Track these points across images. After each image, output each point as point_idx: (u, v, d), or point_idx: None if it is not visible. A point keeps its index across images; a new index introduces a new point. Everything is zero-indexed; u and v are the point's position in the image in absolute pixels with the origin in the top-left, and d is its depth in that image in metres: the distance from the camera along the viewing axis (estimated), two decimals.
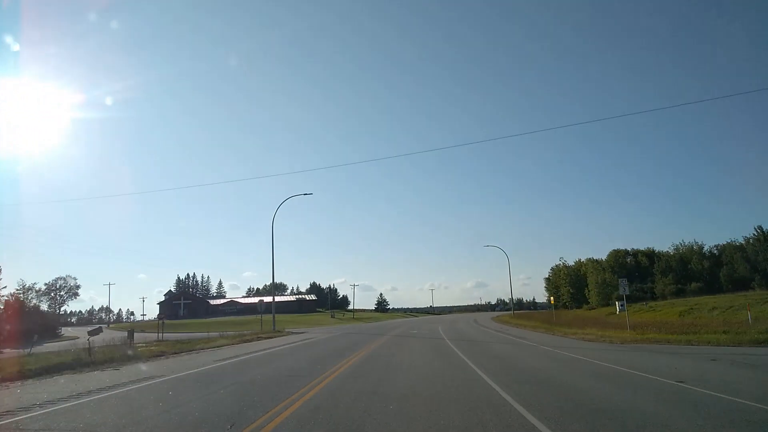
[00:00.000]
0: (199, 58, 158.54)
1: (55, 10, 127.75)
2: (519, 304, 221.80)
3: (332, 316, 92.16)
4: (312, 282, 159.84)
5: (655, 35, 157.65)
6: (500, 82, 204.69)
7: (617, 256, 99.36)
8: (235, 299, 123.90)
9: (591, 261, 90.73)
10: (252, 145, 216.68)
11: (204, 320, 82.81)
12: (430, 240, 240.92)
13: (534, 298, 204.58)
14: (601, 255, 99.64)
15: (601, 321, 44.52)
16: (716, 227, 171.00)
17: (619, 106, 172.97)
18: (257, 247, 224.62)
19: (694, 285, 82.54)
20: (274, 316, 38.52)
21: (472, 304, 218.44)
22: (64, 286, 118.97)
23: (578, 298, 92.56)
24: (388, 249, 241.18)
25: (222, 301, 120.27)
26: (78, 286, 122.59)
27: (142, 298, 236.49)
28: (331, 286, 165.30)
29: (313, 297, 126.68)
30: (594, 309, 79.43)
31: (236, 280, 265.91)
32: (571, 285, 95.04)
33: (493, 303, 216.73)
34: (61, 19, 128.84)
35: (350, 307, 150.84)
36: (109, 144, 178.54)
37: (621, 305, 65.20)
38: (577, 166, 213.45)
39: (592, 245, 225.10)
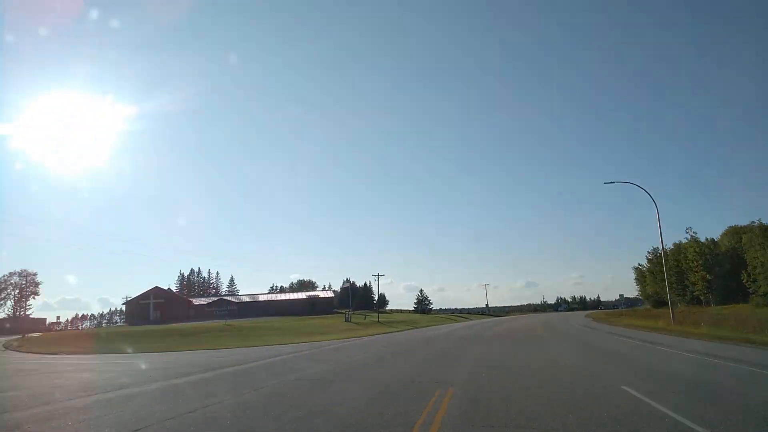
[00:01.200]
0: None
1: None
2: (582, 303, 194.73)
3: (347, 320, 64.36)
4: (346, 278, 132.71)
5: None
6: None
7: (734, 235, 68.46)
8: (227, 297, 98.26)
9: (761, 229, 58.07)
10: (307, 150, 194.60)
11: (163, 326, 57.11)
12: (479, 239, 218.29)
13: (599, 296, 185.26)
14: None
15: None
16: None
17: None
18: (306, 248, 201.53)
19: None
20: None
21: (526, 303, 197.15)
22: (19, 284, 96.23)
23: (721, 289, 61.64)
24: (435, 249, 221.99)
25: (208, 300, 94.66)
26: (38, 284, 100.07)
27: (125, 298, 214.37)
28: (367, 284, 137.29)
29: (329, 294, 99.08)
30: None
31: (282, 281, 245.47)
32: (707, 270, 63.39)
33: (550, 302, 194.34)
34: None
35: (389, 307, 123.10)
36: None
37: None
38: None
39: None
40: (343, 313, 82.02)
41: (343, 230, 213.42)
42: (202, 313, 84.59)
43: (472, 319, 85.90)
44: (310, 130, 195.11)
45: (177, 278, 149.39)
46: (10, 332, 66.51)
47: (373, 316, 75.10)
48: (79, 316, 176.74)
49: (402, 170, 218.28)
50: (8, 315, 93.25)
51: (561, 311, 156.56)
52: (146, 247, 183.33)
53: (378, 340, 32.03)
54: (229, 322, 58.91)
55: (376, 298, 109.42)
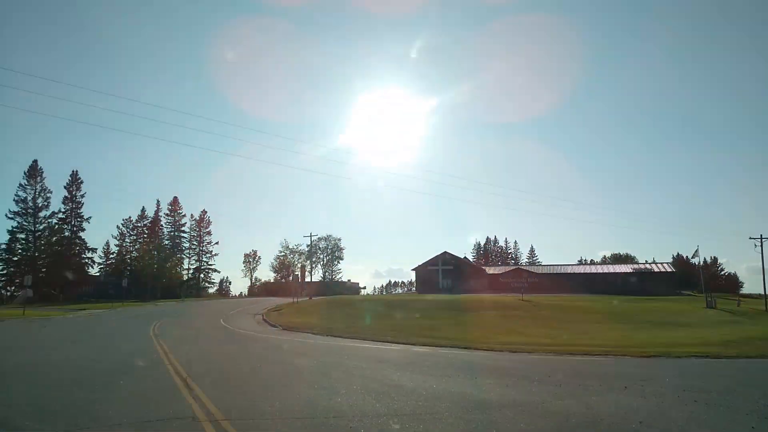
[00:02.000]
0: None
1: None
2: None
3: (710, 305, 41.16)
4: (677, 254, 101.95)
5: None
6: None
7: None
8: (525, 267, 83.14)
9: None
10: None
11: (445, 296, 46.31)
12: None
13: None
14: None
15: None
16: None
17: None
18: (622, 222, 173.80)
19: None
20: None
21: None
22: (326, 248, 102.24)
23: None
24: None
25: (504, 269, 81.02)
26: (342, 249, 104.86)
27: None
28: (714, 259, 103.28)
29: (666, 269, 73.14)
30: None
31: (590, 255, 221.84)
32: None
33: None
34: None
35: (743, 290, 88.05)
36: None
37: None
38: None
39: None
40: (689, 295, 57.60)
41: (669, 201, 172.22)
42: (496, 283, 72.31)
43: None
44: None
45: (473, 247, 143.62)
46: (316, 294, 67.05)
47: (752, 303, 48.55)
48: (392, 282, 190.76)
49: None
50: (321, 279, 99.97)
51: None
52: (440, 224, 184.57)
53: None
54: (527, 297, 43.95)
55: (735, 283, 77.52)
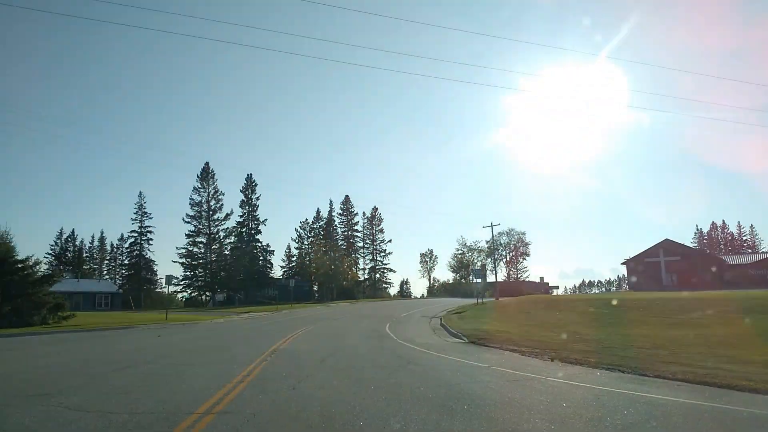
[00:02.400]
0: None
1: None
2: None
3: None
4: None
5: None
6: None
7: None
8: None
9: None
10: None
11: (694, 293, 33.18)
12: None
13: None
14: None
15: None
16: None
17: None
18: None
19: None
20: None
21: None
22: (508, 243, 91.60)
23: None
24: None
25: (750, 259, 61.38)
26: (527, 244, 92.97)
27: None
28: None
29: None
30: None
31: None
32: None
33: None
34: None
35: None
36: None
37: None
38: None
39: None
40: None
41: None
42: (741, 277, 55.26)
43: None
44: None
45: (694, 235, 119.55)
46: (501, 295, 58.36)
47: None
48: (586, 282, 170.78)
49: None
50: (505, 278, 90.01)
51: None
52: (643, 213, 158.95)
53: None
54: None
55: None
